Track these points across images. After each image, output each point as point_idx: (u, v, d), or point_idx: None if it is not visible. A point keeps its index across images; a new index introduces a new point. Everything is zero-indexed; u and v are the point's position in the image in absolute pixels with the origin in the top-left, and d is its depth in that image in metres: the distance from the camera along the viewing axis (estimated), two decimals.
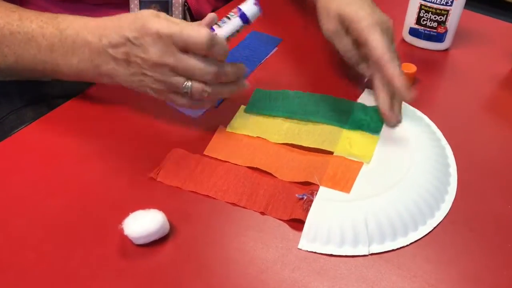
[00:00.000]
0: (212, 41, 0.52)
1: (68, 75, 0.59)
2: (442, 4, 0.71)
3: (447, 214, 0.52)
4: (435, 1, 0.71)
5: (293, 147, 0.59)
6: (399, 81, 0.58)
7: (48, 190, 0.54)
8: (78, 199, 0.53)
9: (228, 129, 0.61)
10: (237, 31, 0.57)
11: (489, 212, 0.53)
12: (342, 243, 0.49)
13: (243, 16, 0.56)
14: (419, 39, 0.76)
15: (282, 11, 0.81)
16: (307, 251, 0.49)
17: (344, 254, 0.48)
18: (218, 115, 0.64)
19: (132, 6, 0.77)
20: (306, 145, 0.58)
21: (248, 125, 0.62)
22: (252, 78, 0.70)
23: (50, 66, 0.58)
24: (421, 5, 0.73)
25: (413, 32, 0.76)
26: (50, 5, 0.76)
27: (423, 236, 0.50)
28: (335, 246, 0.48)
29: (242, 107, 0.65)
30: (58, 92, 0.74)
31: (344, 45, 0.66)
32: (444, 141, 0.61)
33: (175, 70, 0.53)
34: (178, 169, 0.56)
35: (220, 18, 0.57)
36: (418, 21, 0.74)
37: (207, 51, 0.52)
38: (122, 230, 0.48)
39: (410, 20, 0.75)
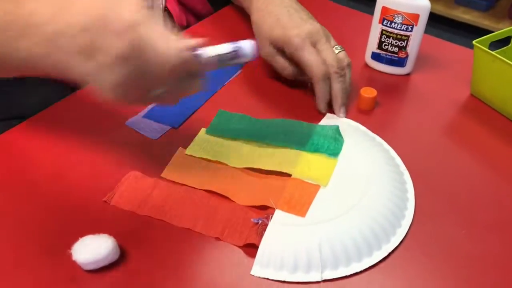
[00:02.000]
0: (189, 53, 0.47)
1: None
2: (403, 30, 0.72)
3: (403, 239, 0.53)
4: (395, 27, 0.72)
5: (252, 170, 0.58)
6: (329, 104, 0.67)
7: None
8: (28, 221, 0.52)
9: (187, 152, 0.61)
10: (223, 58, 0.52)
11: (444, 237, 0.53)
12: (295, 269, 0.48)
13: (236, 48, 0.52)
14: (381, 64, 0.77)
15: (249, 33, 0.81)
16: (260, 277, 0.48)
17: (296, 280, 0.48)
18: (178, 136, 0.63)
19: None
20: (265, 168, 0.58)
21: (208, 148, 0.61)
22: (214, 100, 0.69)
23: None
24: (382, 30, 0.74)
25: (375, 56, 0.77)
26: None
27: (378, 262, 0.50)
28: (288, 272, 0.48)
29: (203, 129, 0.64)
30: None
31: (280, 64, 0.70)
32: (402, 167, 0.61)
33: None
34: (133, 193, 0.55)
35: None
36: (379, 46, 0.75)
37: (180, 66, 0.47)
38: (71, 255, 0.47)
39: (372, 44, 0.76)
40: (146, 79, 0.44)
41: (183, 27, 0.84)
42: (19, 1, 0.42)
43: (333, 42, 0.69)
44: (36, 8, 0.41)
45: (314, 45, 0.66)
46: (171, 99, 0.50)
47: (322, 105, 0.67)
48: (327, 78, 0.66)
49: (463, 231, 0.54)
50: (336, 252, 0.49)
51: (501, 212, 0.57)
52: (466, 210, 0.57)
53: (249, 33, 0.72)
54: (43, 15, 0.41)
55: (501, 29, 0.74)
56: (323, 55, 0.66)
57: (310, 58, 0.65)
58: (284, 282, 0.48)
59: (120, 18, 0.41)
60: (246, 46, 0.52)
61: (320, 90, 0.66)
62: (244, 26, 0.85)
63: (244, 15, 0.87)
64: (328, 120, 0.67)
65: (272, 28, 0.68)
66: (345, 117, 0.67)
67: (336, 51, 0.68)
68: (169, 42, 0.43)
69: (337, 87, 0.66)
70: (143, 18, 0.42)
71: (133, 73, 0.43)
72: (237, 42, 0.52)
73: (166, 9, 0.81)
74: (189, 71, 0.47)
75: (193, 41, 0.48)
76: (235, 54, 0.52)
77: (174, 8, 0.82)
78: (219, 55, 0.51)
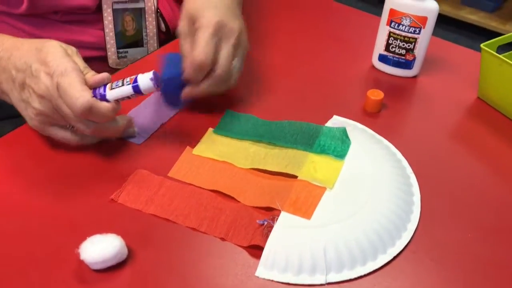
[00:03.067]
0: (89, 109, 0.52)
1: None
2: (410, 32, 0.72)
3: (408, 243, 0.53)
4: (403, 29, 0.72)
5: (259, 171, 0.59)
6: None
7: (5, 211, 0.53)
8: (36, 221, 0.52)
9: (194, 152, 0.61)
10: (128, 97, 0.56)
11: (450, 241, 0.53)
12: (299, 271, 0.48)
13: (135, 88, 0.55)
14: (388, 66, 0.77)
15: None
16: (264, 279, 0.48)
17: (301, 282, 0.48)
18: (186, 136, 0.63)
19: (105, 14, 0.77)
20: (271, 169, 0.58)
21: (215, 148, 0.61)
22: (221, 100, 0.70)
23: None
24: (390, 32, 0.74)
25: (382, 58, 0.77)
26: (18, 22, 0.75)
27: (383, 265, 0.50)
28: (292, 274, 0.48)
29: (210, 129, 0.64)
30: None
31: (185, 48, 0.63)
32: (409, 170, 0.61)
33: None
34: (140, 191, 0.55)
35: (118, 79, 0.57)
36: (387, 48, 0.75)
37: (80, 116, 0.53)
38: (78, 254, 0.47)
39: (379, 46, 0.76)
40: (60, 116, 0.55)
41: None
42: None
43: (240, 53, 0.65)
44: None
45: (220, 38, 0.62)
46: (90, 134, 0.57)
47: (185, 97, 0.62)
48: (202, 71, 0.61)
49: (469, 235, 0.54)
50: (341, 255, 0.49)
51: (508, 215, 0.57)
52: (472, 214, 0.57)
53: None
54: (2, 56, 0.57)
55: (508, 30, 0.74)
56: (221, 53, 0.62)
57: (202, 42, 0.60)
58: (288, 284, 0.48)
59: (43, 68, 0.53)
60: (143, 83, 0.55)
61: (187, 74, 0.61)
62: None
63: (244, 15, 0.87)
64: (335, 122, 0.67)
65: (199, 7, 0.63)
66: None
67: (236, 65, 0.64)
68: (78, 92, 0.52)
69: (206, 86, 0.62)
70: (61, 70, 0.53)
71: (49, 109, 0.54)
72: (136, 79, 0.55)
73: (158, 11, 0.81)
74: (96, 117, 0.54)
75: (97, 78, 0.55)
76: (134, 94, 0.56)
77: (167, 9, 0.82)
78: (118, 99, 0.55)
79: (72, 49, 0.57)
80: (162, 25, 0.83)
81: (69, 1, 0.73)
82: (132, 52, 0.81)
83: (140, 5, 0.79)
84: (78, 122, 0.54)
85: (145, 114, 0.66)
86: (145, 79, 0.55)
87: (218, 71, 0.62)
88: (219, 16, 0.62)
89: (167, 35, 0.84)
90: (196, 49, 0.60)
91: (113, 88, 0.55)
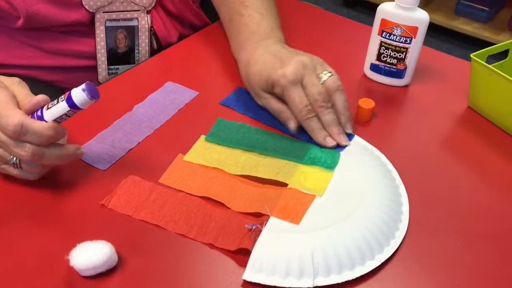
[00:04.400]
0: (20, 126, 0.49)
1: None
2: (401, 42, 0.73)
3: (397, 250, 0.53)
4: (394, 39, 0.73)
5: (249, 179, 0.59)
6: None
7: None
8: (25, 227, 0.52)
9: (186, 158, 0.61)
10: (67, 115, 0.52)
11: (438, 249, 0.54)
12: (287, 274, 0.48)
13: (70, 102, 0.51)
14: (380, 75, 0.78)
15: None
16: (252, 282, 0.48)
17: (288, 286, 0.48)
18: (177, 142, 0.64)
19: (98, 32, 0.77)
20: (261, 176, 0.59)
21: (206, 155, 0.62)
22: (213, 108, 0.70)
23: None
24: (381, 42, 0.74)
25: (374, 67, 0.78)
26: (16, 33, 0.75)
27: (372, 271, 0.51)
28: (280, 277, 0.48)
29: (202, 136, 0.65)
30: None
31: (277, 107, 0.66)
32: (398, 181, 0.61)
33: None
34: (131, 197, 0.56)
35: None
36: (378, 58, 0.76)
37: (13, 135, 0.50)
38: (68, 261, 0.47)
39: (371, 56, 0.77)
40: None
41: (173, 43, 0.84)
42: None
43: (320, 69, 0.65)
44: None
45: (300, 81, 0.63)
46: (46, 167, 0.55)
47: (319, 140, 0.64)
48: (312, 115, 0.63)
49: (458, 243, 0.55)
50: (329, 259, 0.49)
51: (496, 224, 0.57)
52: (461, 222, 0.57)
53: None
54: None
55: (501, 40, 0.75)
56: (307, 90, 0.63)
57: (293, 97, 0.63)
58: (276, 287, 0.48)
59: None
60: (77, 96, 0.51)
61: (307, 129, 0.64)
62: None
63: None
64: None
65: (260, 76, 0.66)
66: (349, 142, 0.65)
67: (324, 78, 0.64)
68: (8, 111, 0.50)
69: (326, 119, 0.64)
70: None
71: None
72: (69, 93, 0.51)
73: (152, 29, 0.81)
74: (32, 136, 0.50)
75: (33, 101, 0.52)
76: (71, 110, 0.52)
77: (160, 27, 0.82)
78: (57, 119, 0.52)
79: (11, 80, 0.55)
80: (154, 43, 0.83)
81: (64, 18, 0.73)
82: (123, 68, 0.81)
83: (133, 23, 0.79)
84: (14, 147, 0.50)
85: (113, 138, 0.63)
86: (78, 92, 0.51)
87: (318, 104, 0.63)
88: (286, 69, 0.63)
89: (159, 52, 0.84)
90: (291, 107, 0.64)
91: (50, 108, 0.52)
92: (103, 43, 0.78)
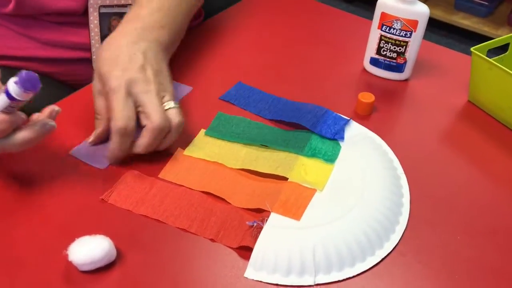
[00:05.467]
0: None
1: None
2: (401, 36, 0.73)
3: (396, 245, 0.53)
4: (394, 33, 0.73)
5: (249, 173, 0.59)
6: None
7: None
8: (24, 221, 0.52)
9: (186, 152, 0.61)
10: (12, 107, 0.48)
11: (438, 243, 0.54)
12: (288, 272, 0.48)
13: (8, 94, 0.47)
14: (380, 69, 0.77)
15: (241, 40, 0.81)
16: (253, 280, 0.48)
17: (289, 284, 0.48)
18: (178, 137, 0.63)
19: (91, 18, 0.77)
20: (261, 171, 0.58)
21: (206, 149, 0.62)
22: (213, 102, 0.70)
23: None
24: (381, 35, 0.74)
25: (373, 61, 0.77)
26: (7, 22, 0.75)
27: (372, 267, 0.50)
28: (281, 275, 0.48)
29: (202, 130, 0.65)
30: None
31: (97, 107, 0.60)
32: (400, 170, 0.61)
33: None
34: (131, 192, 0.55)
35: None
36: (378, 51, 0.76)
37: None
38: (67, 255, 0.47)
39: (371, 49, 0.77)
40: None
41: None
42: None
43: (167, 97, 0.59)
44: None
45: (133, 94, 0.57)
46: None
47: (110, 159, 0.58)
48: (128, 134, 0.56)
49: (458, 237, 0.54)
50: (330, 256, 0.49)
51: (497, 218, 0.57)
52: (461, 216, 0.57)
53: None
54: None
55: (500, 35, 0.75)
56: (145, 108, 0.56)
57: (117, 106, 0.55)
58: (277, 285, 0.48)
59: None
60: (12, 88, 0.46)
61: (113, 143, 0.56)
62: (232, 34, 0.86)
63: (236, 23, 0.88)
64: None
65: (104, 63, 0.59)
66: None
67: (167, 107, 0.58)
68: None
69: (144, 142, 0.57)
70: None
71: None
72: (6, 86, 0.47)
73: None
74: None
75: None
76: (14, 102, 0.47)
77: None
78: (3, 110, 0.48)
79: None
80: None
81: (55, 4, 0.73)
82: None
83: (127, 9, 0.78)
84: None
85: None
86: (10, 83, 0.46)
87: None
88: (128, 73, 0.57)
89: None
90: (112, 115, 0.56)
91: None
92: (97, 30, 0.77)
